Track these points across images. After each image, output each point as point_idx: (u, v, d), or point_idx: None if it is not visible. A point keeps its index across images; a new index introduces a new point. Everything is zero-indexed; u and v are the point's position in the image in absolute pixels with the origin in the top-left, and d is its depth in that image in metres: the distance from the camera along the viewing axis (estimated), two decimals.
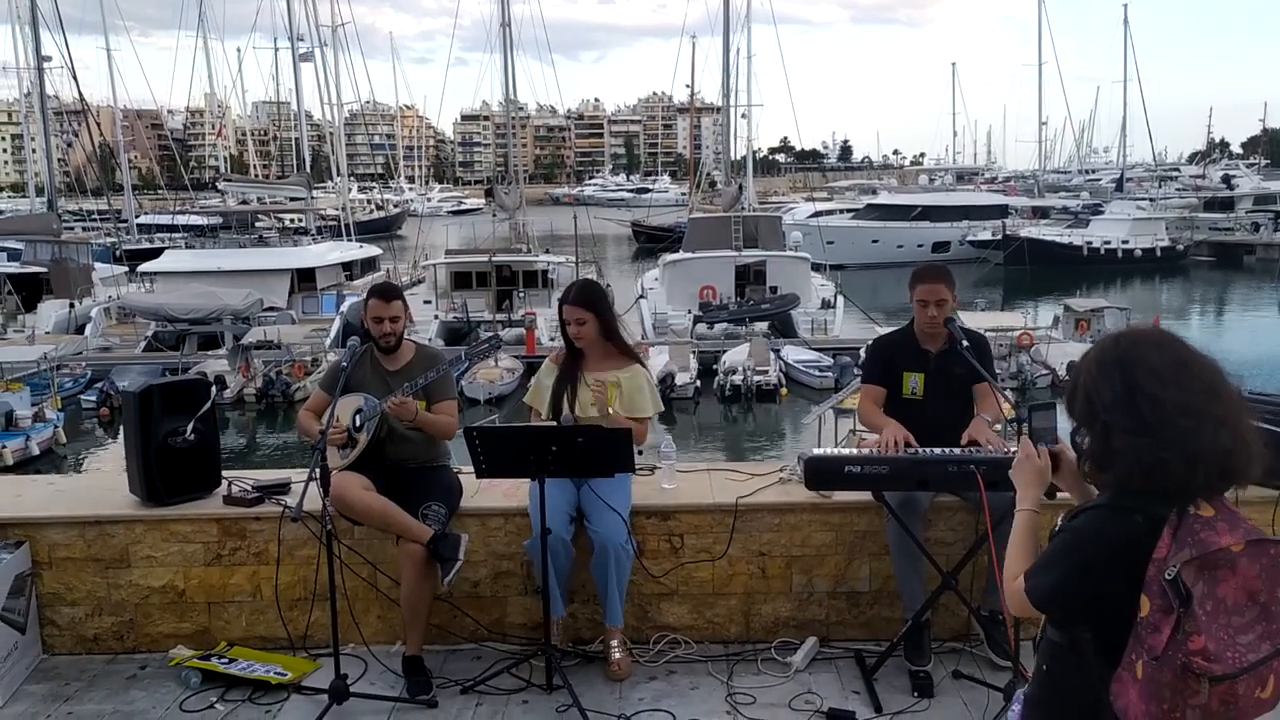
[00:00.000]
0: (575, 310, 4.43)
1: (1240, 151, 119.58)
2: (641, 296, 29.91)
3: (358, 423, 4.33)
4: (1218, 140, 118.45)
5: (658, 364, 21.75)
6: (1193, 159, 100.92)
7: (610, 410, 4.30)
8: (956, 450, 3.91)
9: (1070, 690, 2.06)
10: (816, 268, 31.75)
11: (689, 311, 27.37)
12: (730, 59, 39.18)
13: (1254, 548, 1.88)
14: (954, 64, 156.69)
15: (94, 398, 20.89)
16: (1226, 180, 66.32)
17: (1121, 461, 1.95)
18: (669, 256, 31.60)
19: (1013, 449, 3.83)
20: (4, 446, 16.90)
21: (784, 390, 21.86)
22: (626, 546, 4.15)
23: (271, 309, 27.33)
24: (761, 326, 27.15)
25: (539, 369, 4.69)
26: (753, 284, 29.41)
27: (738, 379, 21.69)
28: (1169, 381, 1.94)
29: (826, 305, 28.73)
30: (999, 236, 45.31)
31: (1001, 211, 50.63)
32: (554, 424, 4.19)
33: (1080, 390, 2.04)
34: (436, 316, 27.36)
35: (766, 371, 21.96)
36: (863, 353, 22.03)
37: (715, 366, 22.79)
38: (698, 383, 22.14)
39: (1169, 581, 1.86)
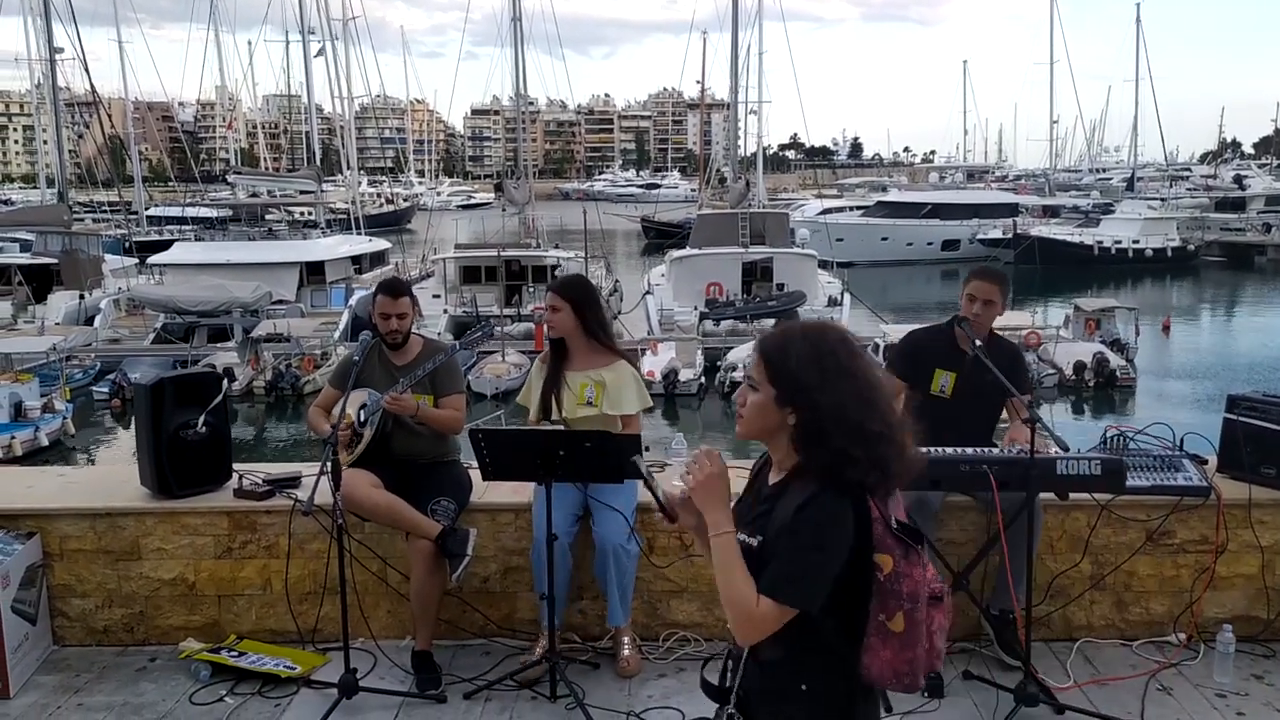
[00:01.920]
0: (553, 297, 4.40)
1: (1252, 151, 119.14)
2: (648, 293, 29.85)
3: (362, 418, 4.33)
4: (1229, 140, 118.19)
5: (663, 360, 21.72)
6: (1204, 159, 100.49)
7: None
8: (969, 450, 3.90)
9: (826, 694, 2.09)
10: (824, 265, 31.67)
11: (695, 308, 27.30)
12: (741, 55, 39.17)
13: None
14: (965, 62, 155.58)
15: (106, 389, 20.94)
16: (1238, 180, 66.08)
17: (845, 457, 2.00)
18: (676, 253, 31.53)
19: (1054, 450, 3.83)
20: (13, 437, 16.94)
21: None
22: (628, 546, 4.13)
23: (280, 302, 27.34)
24: (768, 324, 27.09)
25: (531, 370, 4.67)
26: (759, 281, 29.35)
27: (738, 375, 21.66)
28: (876, 390, 2.06)
29: (833, 303, 28.66)
30: (1009, 235, 45.09)
31: (1012, 210, 50.44)
32: (560, 428, 4.16)
33: (802, 392, 2.04)
34: (445, 311, 27.37)
35: None
36: (870, 350, 22.15)
37: (719, 363, 22.77)
38: (702, 379, 22.10)
39: (898, 529, 2.05)
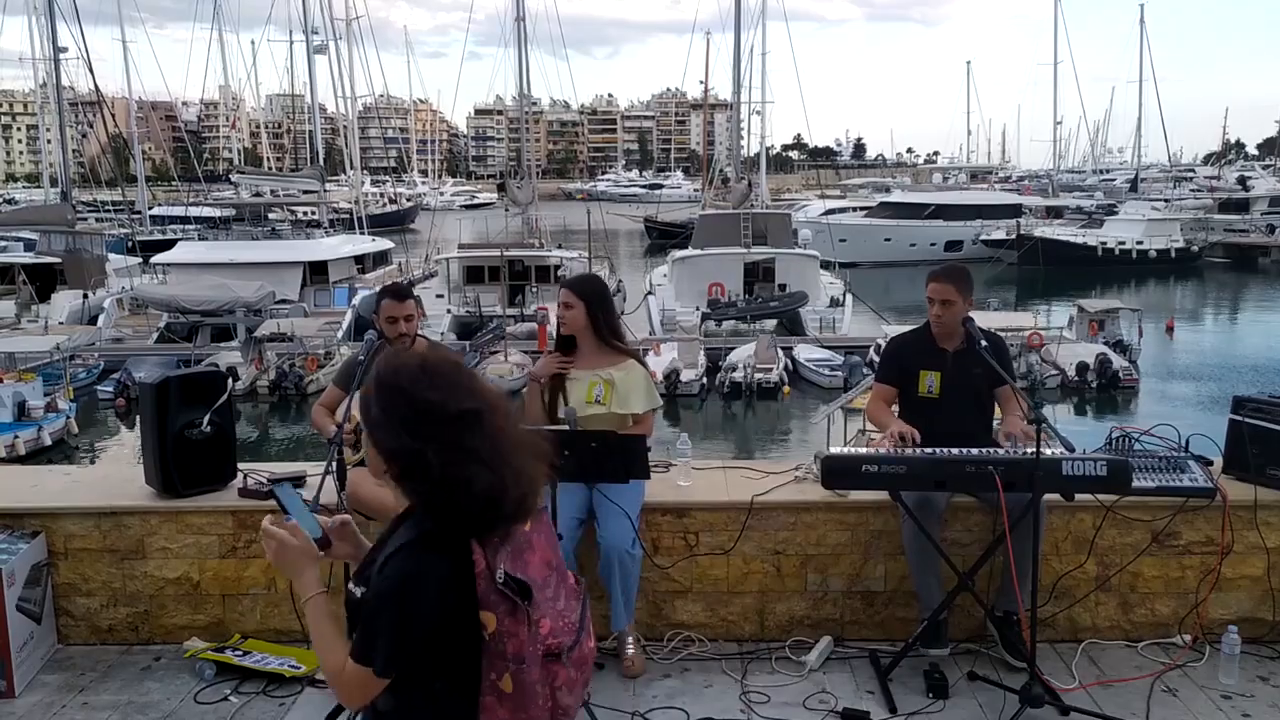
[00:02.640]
0: (566, 294, 4.42)
1: (1256, 153, 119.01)
2: (650, 293, 29.87)
3: None
4: (1233, 141, 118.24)
5: (665, 360, 21.74)
6: (1208, 160, 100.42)
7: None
8: (974, 450, 3.90)
9: None
10: (826, 265, 31.68)
11: (697, 308, 27.32)
12: (744, 56, 39.20)
13: (535, 519, 1.99)
14: (969, 62, 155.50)
15: (111, 388, 20.96)
16: (1242, 181, 66.05)
17: (431, 502, 1.89)
18: (678, 253, 31.59)
19: (1059, 451, 3.82)
20: (16, 436, 16.96)
21: (785, 388, 21.81)
22: (633, 551, 4.13)
23: (284, 301, 27.40)
24: (770, 324, 27.10)
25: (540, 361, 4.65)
26: (761, 281, 29.36)
27: (738, 376, 21.69)
28: (486, 430, 1.91)
29: (835, 303, 28.69)
30: (1012, 236, 45.11)
31: (1015, 211, 50.39)
32: (565, 427, 4.16)
33: (393, 434, 1.90)
34: (449, 311, 27.40)
35: (770, 370, 21.93)
36: (873, 352, 22.16)
37: (720, 364, 22.79)
38: (704, 380, 22.10)
39: (504, 584, 1.88)
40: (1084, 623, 4.41)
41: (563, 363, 4.26)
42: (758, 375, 21.65)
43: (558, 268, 30.00)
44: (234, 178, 45.35)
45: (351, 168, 48.87)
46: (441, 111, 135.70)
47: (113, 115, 41.40)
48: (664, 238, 49.28)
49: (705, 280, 28.68)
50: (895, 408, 4.48)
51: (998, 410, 4.44)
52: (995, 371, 4.14)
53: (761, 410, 21.42)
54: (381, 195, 72.28)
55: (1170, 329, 29.98)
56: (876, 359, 21.56)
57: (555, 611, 1.96)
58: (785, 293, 28.43)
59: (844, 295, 29.25)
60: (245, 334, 24.54)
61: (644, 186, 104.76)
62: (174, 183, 65.84)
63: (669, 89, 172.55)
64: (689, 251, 30.89)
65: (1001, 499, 3.72)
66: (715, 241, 30.14)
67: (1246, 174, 71.35)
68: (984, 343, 4.17)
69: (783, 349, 23.42)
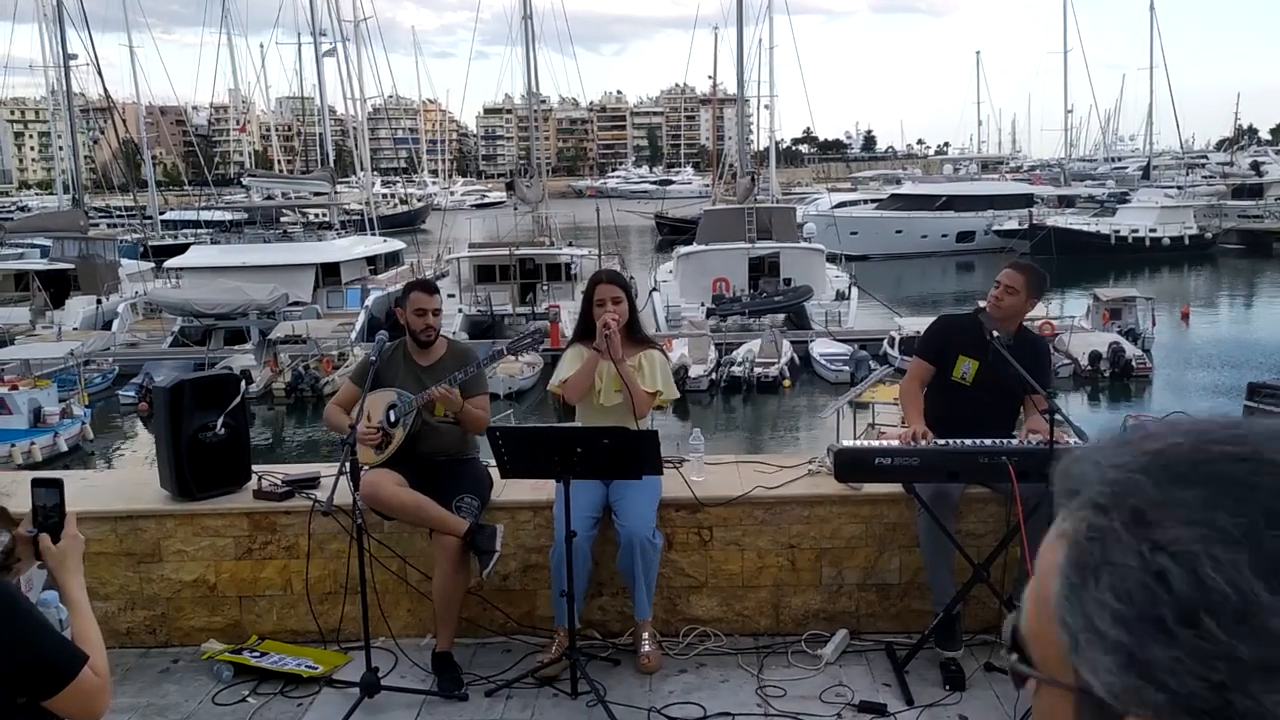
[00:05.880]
0: (613, 289, 4.44)
1: (1269, 138, 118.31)
2: (655, 289, 29.84)
3: (392, 418, 4.32)
4: (1246, 126, 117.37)
5: (674, 356, 21.72)
6: (1220, 146, 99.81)
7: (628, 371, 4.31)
8: (988, 441, 3.89)
9: None
10: (832, 259, 31.59)
11: (702, 304, 27.28)
12: (750, 50, 39.14)
13: None
14: (978, 52, 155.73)
15: (133, 393, 21.02)
16: (1255, 167, 65.69)
17: None
18: (683, 249, 31.56)
19: (1071, 439, 3.81)
20: (33, 443, 17.04)
21: (787, 382, 21.77)
22: (653, 540, 4.13)
23: (296, 303, 27.47)
24: (777, 319, 27.03)
25: (565, 354, 4.62)
26: (766, 276, 29.29)
27: (739, 370, 21.67)
28: None
29: (841, 297, 28.60)
30: (1025, 226, 44.85)
31: (1027, 201, 50.16)
32: (577, 425, 4.16)
33: None
34: (460, 310, 27.42)
35: (771, 364, 21.89)
36: (886, 344, 22.11)
37: (724, 359, 22.78)
38: (713, 375, 22.07)
39: None
40: None
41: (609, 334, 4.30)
42: (757, 369, 21.63)
43: (568, 265, 29.99)
44: (245, 181, 45.46)
45: (362, 169, 48.93)
46: (450, 111, 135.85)
47: (123, 121, 41.59)
48: (674, 234, 49.13)
49: (710, 276, 28.62)
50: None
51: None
52: (1029, 368, 4.08)
53: (766, 404, 21.40)
54: (392, 196, 72.32)
55: (1186, 316, 29.83)
56: (889, 351, 21.54)
57: None
58: (790, 287, 28.35)
59: (849, 288, 29.17)
60: (259, 336, 24.61)
61: (654, 183, 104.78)
62: (185, 187, 66.09)
63: (678, 85, 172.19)
64: (694, 247, 30.83)
65: (1016, 489, 3.71)
66: (720, 237, 30.07)
67: (1260, 159, 70.96)
68: (995, 332, 4.15)
69: (795, 343, 23.37)
